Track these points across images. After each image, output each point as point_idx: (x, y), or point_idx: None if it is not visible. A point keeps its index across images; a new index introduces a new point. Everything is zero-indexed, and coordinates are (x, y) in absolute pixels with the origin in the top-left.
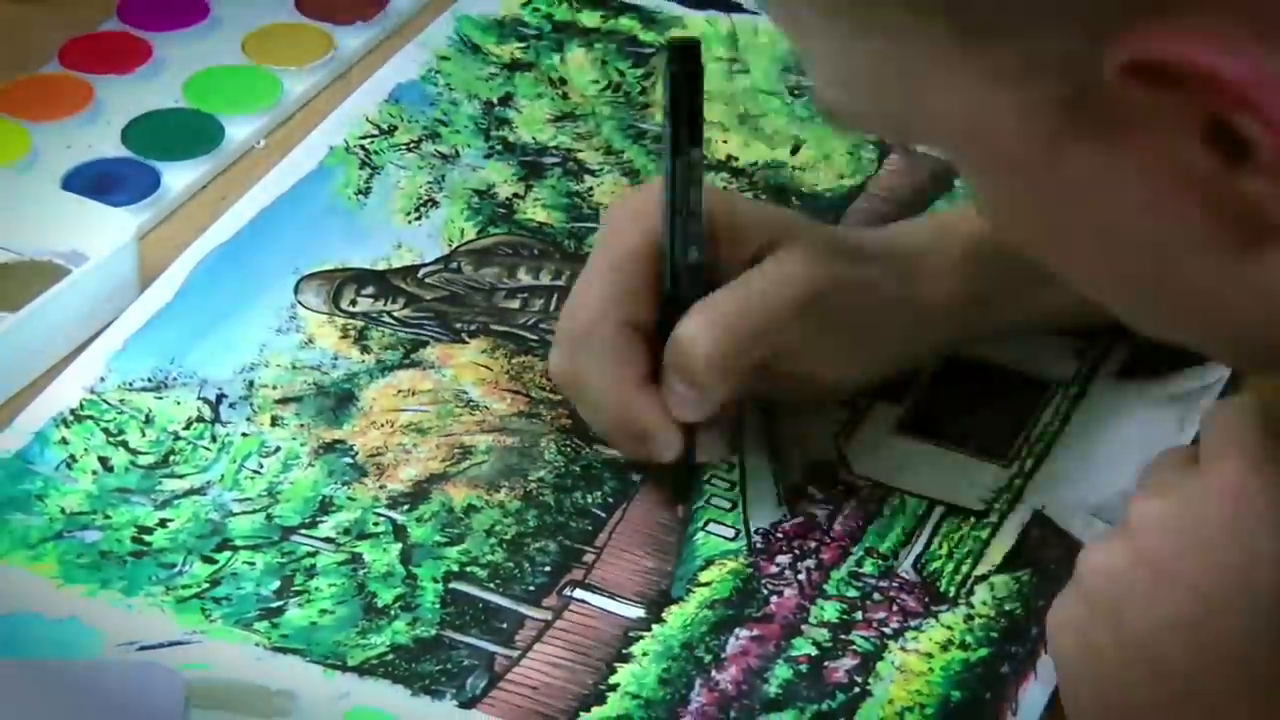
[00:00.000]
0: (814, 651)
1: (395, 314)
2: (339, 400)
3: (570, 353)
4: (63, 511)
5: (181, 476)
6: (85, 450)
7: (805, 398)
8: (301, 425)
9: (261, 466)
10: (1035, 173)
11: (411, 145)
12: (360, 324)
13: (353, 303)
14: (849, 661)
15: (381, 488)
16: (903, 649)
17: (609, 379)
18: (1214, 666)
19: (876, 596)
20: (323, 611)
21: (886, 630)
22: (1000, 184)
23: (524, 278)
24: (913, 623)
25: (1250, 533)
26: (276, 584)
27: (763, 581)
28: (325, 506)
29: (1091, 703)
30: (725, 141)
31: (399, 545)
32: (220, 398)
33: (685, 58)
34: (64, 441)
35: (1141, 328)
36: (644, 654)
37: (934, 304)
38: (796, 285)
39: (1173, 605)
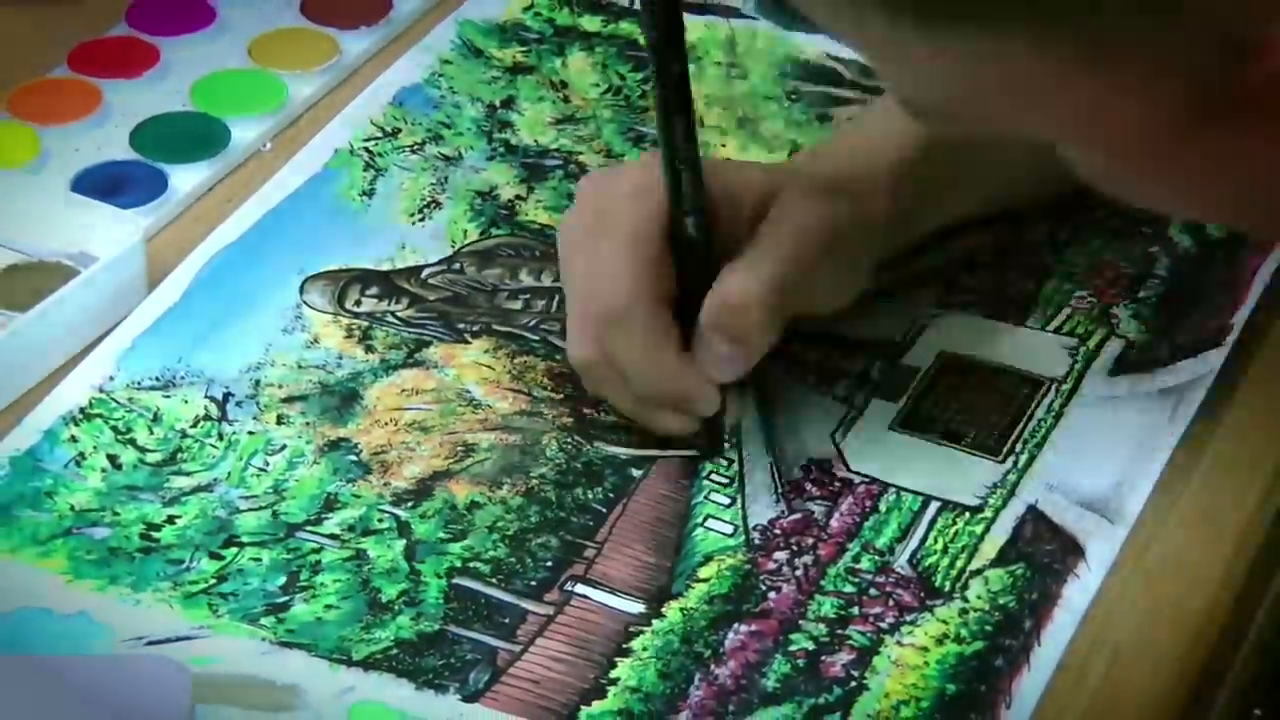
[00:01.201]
0: (811, 646)
1: (399, 314)
2: (344, 399)
3: (600, 335)
4: (72, 508)
5: (189, 474)
6: (94, 448)
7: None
8: (307, 424)
9: (267, 464)
10: (1157, 157)
11: (415, 147)
12: (364, 324)
13: (357, 303)
14: (846, 656)
15: (386, 485)
16: (898, 643)
17: (650, 354)
18: None
19: (873, 592)
20: (328, 607)
21: (882, 625)
22: (1114, 164)
23: (526, 279)
24: (908, 617)
25: None
26: (282, 580)
27: (761, 577)
28: (330, 503)
29: None
30: (724, 145)
31: (403, 541)
32: (227, 396)
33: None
34: (73, 439)
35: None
36: (644, 648)
37: (875, 222)
38: (810, 230)
39: None
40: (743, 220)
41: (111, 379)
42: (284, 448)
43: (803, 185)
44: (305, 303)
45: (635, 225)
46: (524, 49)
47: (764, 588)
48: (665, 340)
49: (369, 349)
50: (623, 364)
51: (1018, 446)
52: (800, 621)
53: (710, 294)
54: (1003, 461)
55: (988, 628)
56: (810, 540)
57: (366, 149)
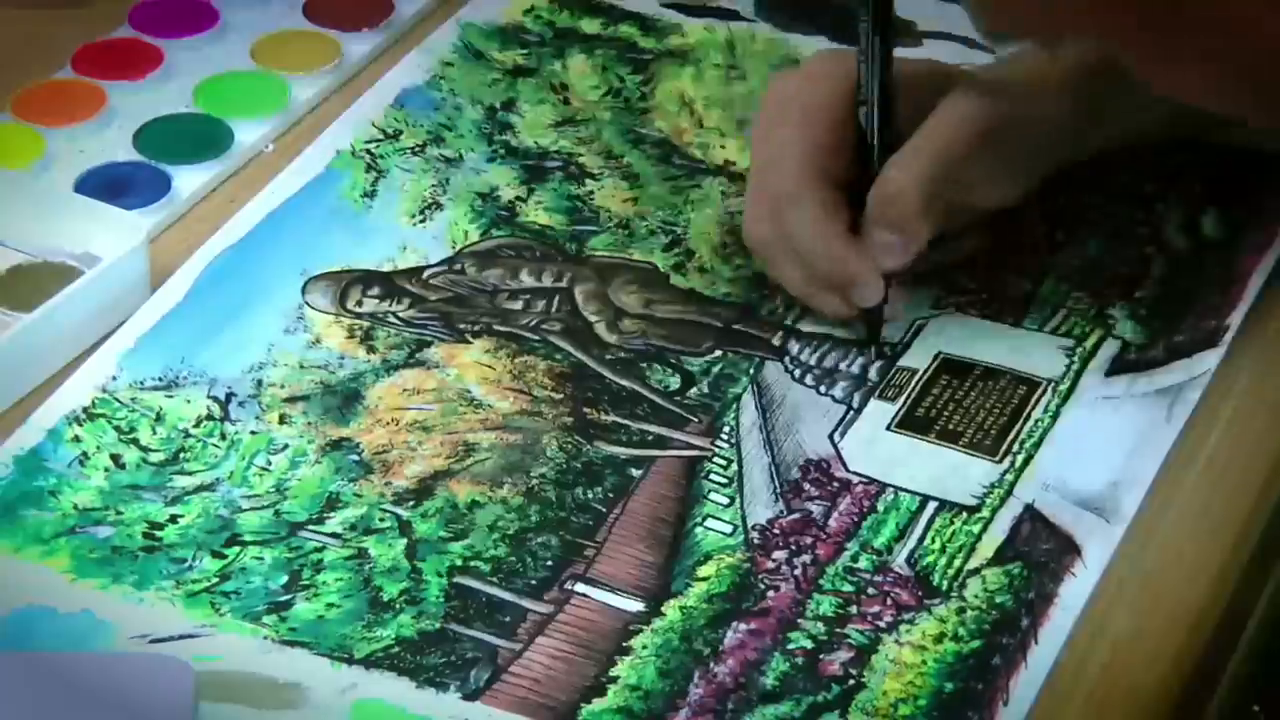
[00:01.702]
0: (810, 645)
1: (400, 314)
2: (345, 399)
3: (775, 211)
4: (75, 507)
5: (191, 473)
6: (97, 448)
7: (957, 228)
8: (309, 423)
9: (270, 464)
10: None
11: (416, 149)
12: (366, 324)
13: (359, 303)
14: (844, 654)
15: (387, 484)
16: (897, 642)
17: (820, 232)
18: None
19: (871, 591)
20: (330, 605)
21: (881, 624)
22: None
23: (526, 279)
24: (906, 616)
25: None
26: (284, 578)
27: (760, 576)
28: (332, 503)
29: None
30: (723, 147)
31: (404, 540)
32: (229, 396)
33: None
34: (76, 439)
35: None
36: (643, 647)
37: (1059, 122)
38: (972, 124)
39: None
40: (914, 114)
41: (114, 379)
42: (286, 447)
43: (968, 82)
44: (307, 303)
45: (810, 111)
46: (524, 51)
47: (763, 587)
48: (834, 222)
49: (370, 349)
50: (794, 242)
51: (1015, 447)
52: (799, 620)
53: (874, 184)
54: (1000, 461)
55: (985, 626)
56: (809, 540)
57: (368, 150)
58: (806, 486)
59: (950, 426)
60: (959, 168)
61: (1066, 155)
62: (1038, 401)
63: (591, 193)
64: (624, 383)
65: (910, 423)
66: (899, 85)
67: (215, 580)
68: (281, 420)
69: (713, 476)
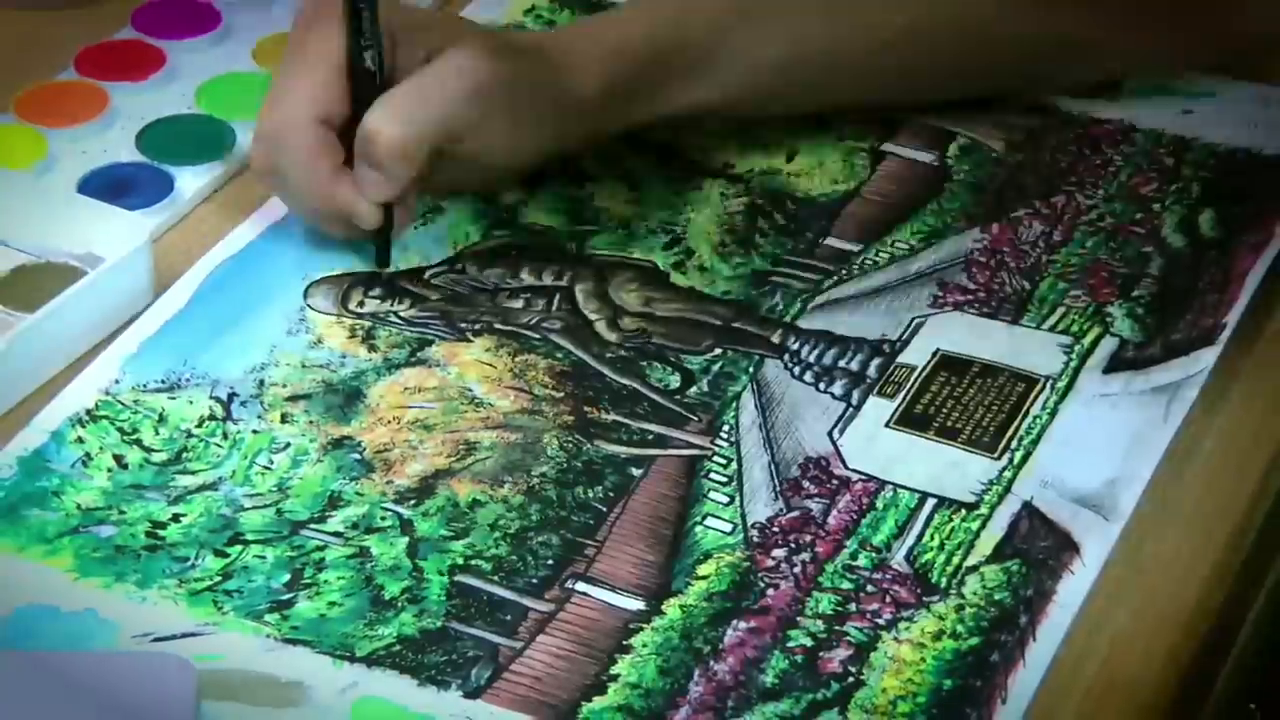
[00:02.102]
0: (809, 642)
1: (402, 314)
2: (347, 398)
3: (268, 150)
4: (78, 507)
5: (194, 473)
6: (100, 448)
7: (477, 184)
8: (311, 422)
9: (272, 463)
10: None
11: None
12: (368, 324)
13: (360, 303)
14: (843, 652)
15: (389, 483)
16: (895, 639)
17: (308, 171)
18: None
19: (870, 588)
20: (331, 604)
21: (880, 621)
22: None
23: (527, 278)
24: (905, 613)
25: None
26: (286, 577)
27: (759, 574)
28: (334, 501)
29: None
30: (723, 148)
31: (405, 539)
32: (232, 396)
33: None
34: (80, 440)
35: None
36: (644, 645)
37: (580, 95)
38: (466, 76)
39: None
40: (417, 61)
41: (118, 382)
42: (288, 446)
43: (469, 40)
44: (309, 305)
45: (315, 51)
46: None
47: (762, 585)
48: (322, 158)
49: (372, 348)
50: (287, 179)
51: (1013, 444)
52: (798, 618)
53: (360, 122)
54: (998, 459)
55: (984, 623)
56: (808, 537)
57: None
58: (806, 484)
59: (949, 423)
60: (450, 117)
61: (588, 131)
62: (1036, 398)
63: (591, 194)
64: (624, 381)
65: (909, 420)
66: (401, 29)
67: (217, 579)
68: (283, 419)
69: (712, 475)
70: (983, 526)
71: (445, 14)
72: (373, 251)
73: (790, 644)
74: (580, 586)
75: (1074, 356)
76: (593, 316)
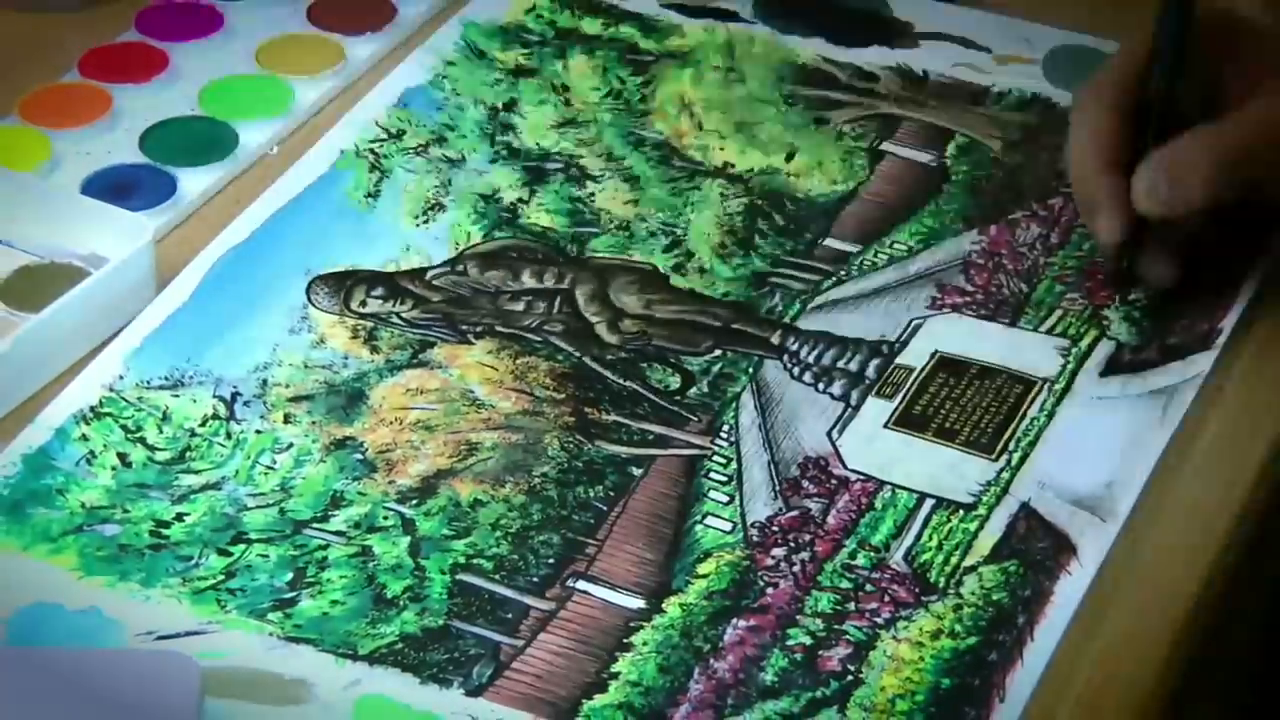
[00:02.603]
0: (808, 641)
1: (404, 315)
2: (349, 398)
3: (1075, 109)
4: (83, 506)
5: (197, 472)
6: (104, 446)
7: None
8: (313, 422)
9: (275, 462)
10: None
11: (419, 149)
12: (370, 325)
13: (363, 304)
14: (842, 650)
15: (391, 483)
16: (894, 638)
17: (1078, 152)
18: None
19: (869, 587)
20: (334, 602)
21: (878, 620)
22: None
23: (528, 281)
24: (904, 613)
25: None
26: (289, 576)
27: (759, 573)
28: (336, 501)
29: None
30: (722, 149)
31: (408, 538)
32: (235, 396)
33: None
34: (84, 438)
35: None
36: (644, 643)
37: None
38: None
39: None
40: (1244, 76)
41: (121, 378)
42: (291, 446)
43: None
44: (311, 303)
45: (1129, 57)
46: (526, 51)
47: (762, 583)
48: (1096, 145)
49: (374, 349)
50: (1069, 147)
51: (1011, 445)
52: (797, 617)
53: (1175, 136)
54: (996, 460)
55: (981, 623)
56: (807, 537)
57: (372, 150)
58: (805, 484)
59: (947, 424)
60: (1244, 177)
61: None
62: (1033, 400)
63: (592, 194)
64: (624, 382)
65: (907, 420)
66: (1242, 45)
67: (221, 578)
68: (286, 419)
69: (712, 475)
70: (981, 527)
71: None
72: None
73: (790, 642)
74: (581, 585)
75: (1071, 359)
76: (593, 319)
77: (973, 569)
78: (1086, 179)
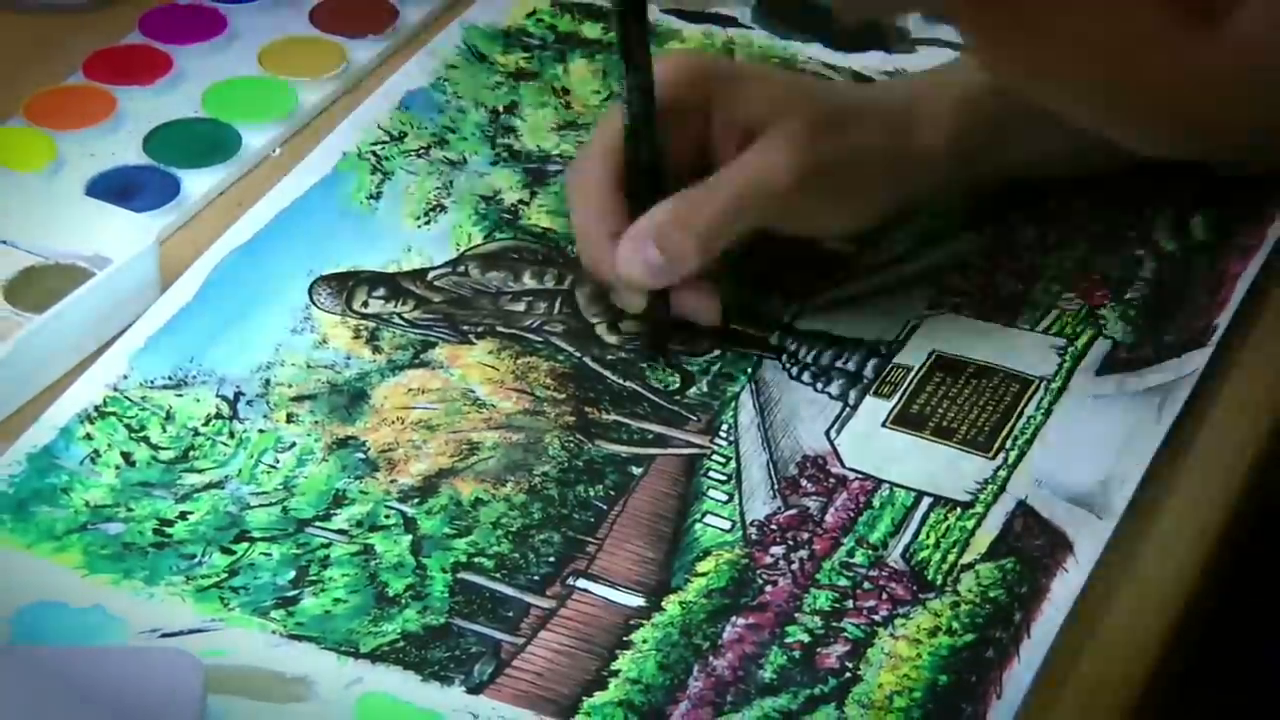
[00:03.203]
0: (807, 638)
1: (405, 315)
2: (352, 398)
3: (570, 182)
4: (87, 504)
5: (201, 471)
6: (108, 445)
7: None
8: (316, 422)
9: (277, 461)
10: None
11: (421, 151)
12: (372, 325)
13: (365, 304)
14: (840, 648)
15: (392, 482)
16: (892, 635)
17: (583, 229)
18: None
19: (866, 585)
20: (336, 600)
21: (876, 617)
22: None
23: (529, 281)
24: (901, 610)
25: None
26: (292, 574)
27: (758, 571)
28: (338, 500)
29: None
30: None
31: (409, 537)
32: (238, 395)
33: None
34: (88, 437)
35: (1125, 138)
36: (644, 641)
37: (924, 152)
38: (783, 173)
39: None
40: (739, 122)
41: (125, 377)
42: (293, 445)
43: (795, 118)
44: (314, 303)
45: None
46: (527, 55)
47: (761, 581)
48: (603, 223)
49: (376, 349)
50: (572, 219)
51: (1008, 443)
52: (796, 614)
53: (657, 206)
54: (993, 458)
55: (978, 620)
56: (806, 535)
57: (374, 152)
58: (803, 483)
59: (944, 423)
60: (755, 218)
61: (930, 188)
62: (1030, 399)
63: None
64: (624, 382)
65: (905, 419)
66: (719, 95)
67: (224, 576)
68: (289, 419)
69: (712, 474)
70: (978, 525)
71: (765, 71)
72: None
73: (788, 640)
74: (581, 583)
75: (1067, 358)
76: (593, 319)
77: (970, 567)
78: (595, 257)
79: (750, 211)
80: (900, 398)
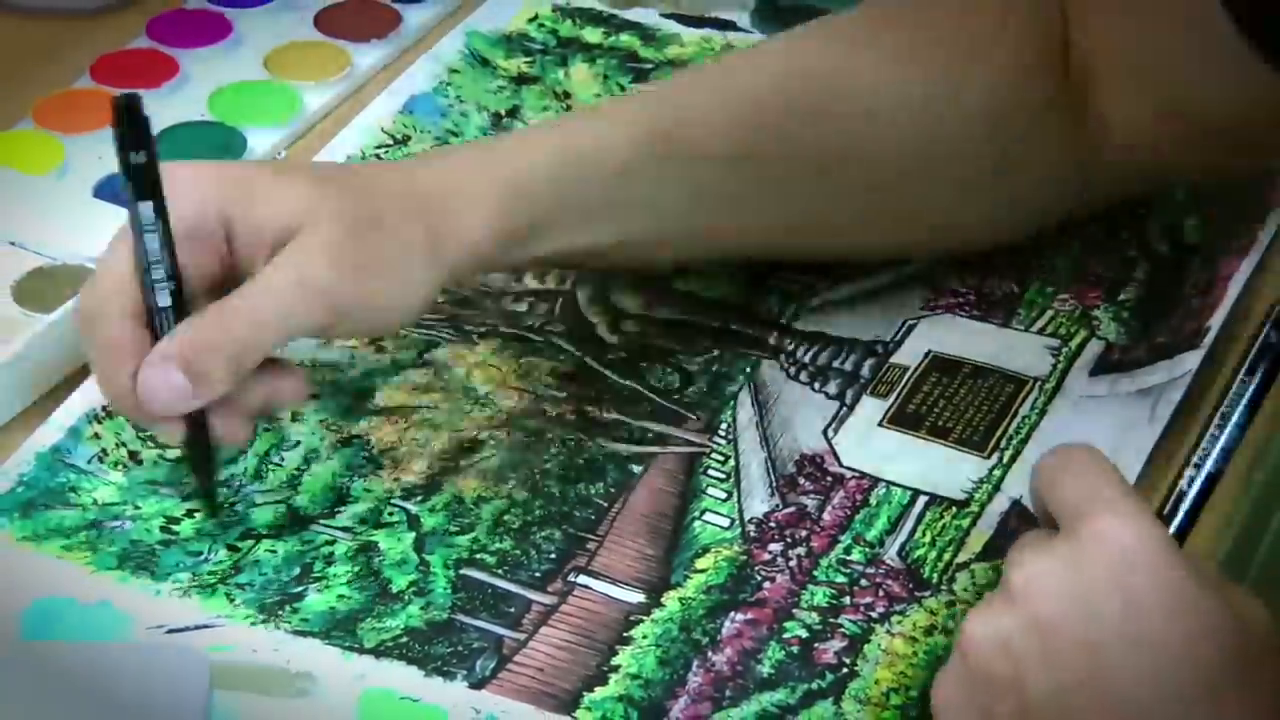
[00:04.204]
0: (804, 634)
1: None
2: (356, 397)
3: (81, 330)
4: (95, 502)
5: None
6: (116, 444)
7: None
8: (321, 421)
9: (283, 459)
10: None
11: None
12: None
13: None
14: (837, 644)
15: (396, 480)
16: (888, 632)
17: (101, 372)
18: None
19: (863, 582)
20: (340, 597)
21: (873, 614)
22: None
23: (530, 282)
24: (898, 607)
25: (1134, 585)
26: (296, 570)
27: (756, 568)
28: (342, 497)
29: None
30: None
31: (412, 534)
32: None
33: (130, 111)
34: (96, 436)
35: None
36: (644, 637)
37: (471, 239)
38: (317, 278)
39: (1069, 666)
40: (264, 247)
41: None
42: (298, 444)
43: (316, 232)
44: None
45: (110, 263)
46: (529, 59)
47: (759, 578)
48: (119, 354)
49: (380, 349)
50: (94, 364)
51: (1003, 443)
52: (794, 610)
53: (178, 326)
54: (988, 457)
55: None
56: (803, 532)
57: (377, 155)
58: (801, 481)
59: (940, 423)
60: (299, 321)
61: (475, 270)
62: (1025, 399)
63: None
64: (625, 382)
65: (901, 419)
66: (256, 214)
67: (230, 572)
68: (294, 417)
69: (711, 472)
70: (973, 523)
71: (291, 172)
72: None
73: (786, 635)
74: (582, 580)
75: (1061, 359)
76: (594, 320)
77: (965, 565)
78: (116, 394)
79: (282, 323)
80: (897, 397)
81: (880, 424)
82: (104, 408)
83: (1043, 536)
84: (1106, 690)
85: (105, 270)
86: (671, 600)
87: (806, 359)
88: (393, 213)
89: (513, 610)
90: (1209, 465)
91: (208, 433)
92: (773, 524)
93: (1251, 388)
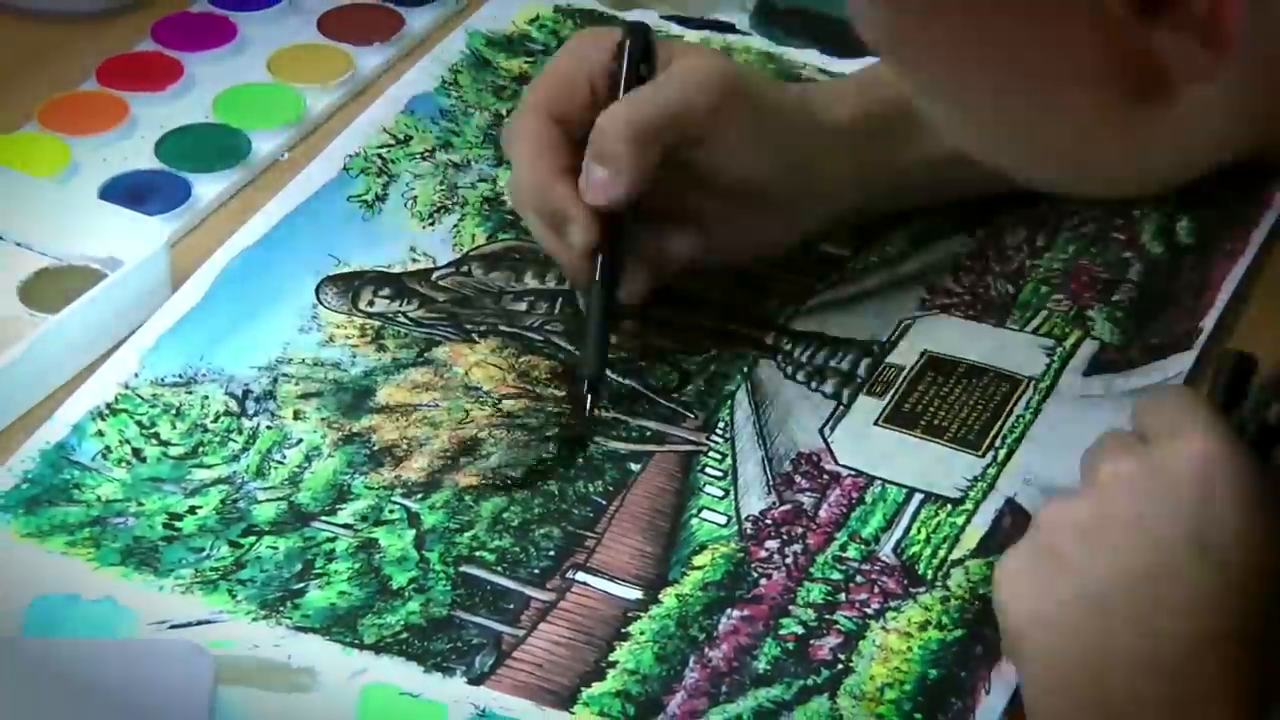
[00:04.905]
0: (800, 630)
1: (410, 315)
2: (357, 395)
3: (507, 137)
4: (99, 499)
5: (209, 466)
6: (120, 442)
7: (730, 241)
8: (322, 419)
9: (284, 457)
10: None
11: (425, 154)
12: (377, 324)
13: (370, 304)
14: (833, 640)
15: (396, 477)
16: (883, 628)
17: (528, 164)
18: (1166, 620)
19: (859, 579)
20: (341, 593)
21: (868, 611)
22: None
23: (530, 282)
24: (893, 604)
25: (1215, 499)
26: (298, 567)
27: (753, 565)
28: (343, 495)
29: (1041, 650)
30: None
31: (412, 531)
32: (246, 393)
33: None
34: (100, 434)
35: (1015, 167)
36: (641, 633)
37: (833, 123)
38: (702, 73)
39: (1137, 556)
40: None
41: (136, 376)
42: (300, 441)
43: (711, 52)
44: (321, 303)
45: (568, 63)
46: (529, 59)
47: (756, 575)
48: (546, 153)
49: (381, 348)
50: (513, 169)
51: (997, 442)
52: (790, 607)
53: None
54: (983, 456)
55: (968, 616)
56: (800, 530)
57: (380, 155)
58: (798, 479)
59: (935, 422)
60: (679, 106)
61: (844, 168)
62: (1019, 398)
63: None
64: (624, 380)
65: (897, 418)
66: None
67: (232, 569)
68: (296, 416)
69: (708, 470)
70: (967, 521)
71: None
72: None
73: (782, 631)
74: (580, 577)
75: (1056, 359)
76: None
77: (960, 562)
78: (544, 191)
79: (678, 107)
80: (892, 397)
81: (876, 423)
82: (108, 405)
83: (1131, 440)
84: (1170, 586)
85: (530, 93)
86: (669, 597)
87: (803, 359)
88: (767, 80)
89: (511, 607)
90: None
91: (614, 288)
92: (769, 521)
93: None
